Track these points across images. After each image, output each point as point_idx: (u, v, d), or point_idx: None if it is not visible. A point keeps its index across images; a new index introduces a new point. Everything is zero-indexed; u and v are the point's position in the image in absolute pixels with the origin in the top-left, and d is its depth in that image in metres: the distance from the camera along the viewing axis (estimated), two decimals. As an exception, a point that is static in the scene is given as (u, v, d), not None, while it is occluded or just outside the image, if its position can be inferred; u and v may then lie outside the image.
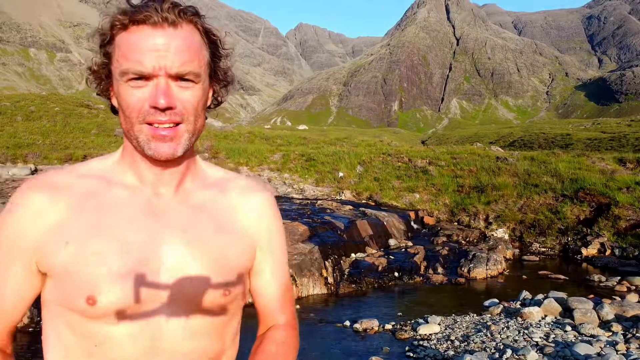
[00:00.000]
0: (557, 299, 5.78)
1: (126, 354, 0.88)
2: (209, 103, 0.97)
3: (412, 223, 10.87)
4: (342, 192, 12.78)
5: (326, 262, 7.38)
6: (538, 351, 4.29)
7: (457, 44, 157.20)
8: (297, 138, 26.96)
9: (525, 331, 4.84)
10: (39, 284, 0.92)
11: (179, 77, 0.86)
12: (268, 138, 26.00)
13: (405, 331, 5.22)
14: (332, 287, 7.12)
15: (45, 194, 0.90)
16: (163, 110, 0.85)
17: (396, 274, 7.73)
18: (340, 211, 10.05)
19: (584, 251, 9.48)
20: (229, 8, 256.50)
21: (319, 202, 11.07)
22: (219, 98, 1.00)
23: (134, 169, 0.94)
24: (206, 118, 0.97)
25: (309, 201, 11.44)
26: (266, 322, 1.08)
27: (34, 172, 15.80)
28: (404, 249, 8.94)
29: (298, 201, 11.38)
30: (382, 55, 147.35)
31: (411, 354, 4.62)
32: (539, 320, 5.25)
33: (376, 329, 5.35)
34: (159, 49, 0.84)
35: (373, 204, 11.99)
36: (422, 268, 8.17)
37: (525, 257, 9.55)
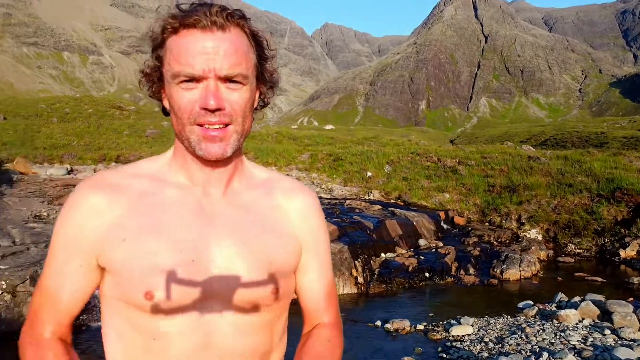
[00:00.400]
0: (594, 302, 5.64)
1: (181, 349, 0.92)
2: (255, 104, 0.99)
3: (442, 223, 10.75)
4: (371, 192, 12.74)
5: (356, 261, 7.38)
6: (576, 354, 4.20)
7: (486, 42, 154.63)
8: (325, 138, 27.00)
9: (562, 334, 4.74)
10: (98, 279, 0.96)
11: (228, 79, 0.89)
12: (295, 138, 26.11)
13: (438, 332, 5.17)
14: (362, 287, 7.11)
15: (103, 193, 0.94)
16: (213, 111, 0.88)
17: (427, 274, 7.67)
18: (369, 211, 10.02)
19: (622, 253, 9.22)
20: (255, 9, 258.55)
21: (348, 201, 11.07)
22: (266, 99, 1.02)
23: (186, 169, 0.98)
24: (253, 119, 1.00)
25: (337, 201, 11.44)
26: (311, 320, 1.10)
27: (69, 172, 16.25)
28: (434, 250, 8.86)
29: (326, 201, 11.39)
30: (409, 53, 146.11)
31: (444, 355, 4.58)
32: (576, 324, 5.13)
33: (408, 329, 5.32)
34: (209, 52, 0.87)
35: (402, 203, 11.91)
36: (453, 269, 8.08)
37: (559, 259, 9.34)
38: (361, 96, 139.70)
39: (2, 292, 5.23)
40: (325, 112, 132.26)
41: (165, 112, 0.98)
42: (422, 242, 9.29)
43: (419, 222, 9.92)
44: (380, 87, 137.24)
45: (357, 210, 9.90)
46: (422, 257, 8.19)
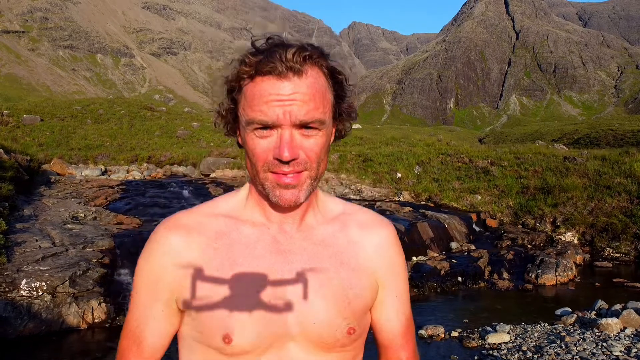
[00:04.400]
0: (636, 310, 5.43)
1: None
2: (332, 140, 0.97)
3: (474, 225, 10.57)
4: (400, 193, 12.62)
5: (387, 265, 7.32)
6: (619, 366, 4.06)
7: (517, 38, 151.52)
8: (353, 138, 26.89)
9: (604, 344, 4.59)
10: (178, 321, 0.97)
11: (304, 125, 0.87)
12: (324, 138, 26.10)
13: (473, 339, 5.08)
14: (394, 291, 7.05)
15: (180, 234, 0.95)
16: (287, 162, 0.87)
17: (459, 278, 7.56)
18: (400, 213, 9.94)
19: (664, 258, 8.88)
20: (283, 9, 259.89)
21: (378, 203, 11.00)
22: (343, 132, 1.00)
23: (261, 207, 0.98)
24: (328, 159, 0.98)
25: (367, 202, 11.38)
26: (387, 357, 1.09)
27: (104, 172, 16.64)
28: (466, 253, 8.72)
29: (356, 203, 11.34)
30: (438, 51, 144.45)
31: (480, 364, 4.49)
32: (618, 333, 4.96)
33: (442, 335, 5.24)
34: (284, 99, 0.85)
35: (432, 205, 11.76)
36: (487, 273, 7.93)
37: (596, 263, 9.06)
38: (388, 95, 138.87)
39: (42, 293, 5.39)
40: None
41: (239, 145, 0.98)
42: (453, 245, 9.16)
43: (450, 224, 9.78)
44: (408, 86, 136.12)
45: (388, 213, 9.82)
46: (454, 261, 8.07)
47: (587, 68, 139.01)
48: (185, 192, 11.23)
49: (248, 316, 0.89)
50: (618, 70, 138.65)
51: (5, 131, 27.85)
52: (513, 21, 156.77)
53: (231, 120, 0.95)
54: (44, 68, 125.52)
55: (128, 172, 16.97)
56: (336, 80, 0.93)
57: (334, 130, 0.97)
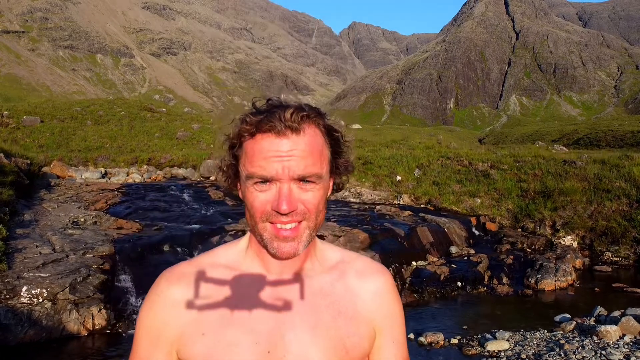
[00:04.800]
0: (635, 317, 5.45)
1: None
2: (329, 194, 1.00)
3: (474, 229, 10.59)
4: (400, 197, 12.64)
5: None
6: (618, 375, 4.07)
7: (517, 38, 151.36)
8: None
9: (603, 352, 4.60)
10: None
11: (302, 179, 0.91)
12: (323, 140, 26.13)
13: (473, 347, 5.09)
14: (394, 296, 7.06)
15: (181, 286, 0.98)
16: (286, 214, 0.90)
17: (459, 283, 7.57)
18: (400, 217, 9.95)
19: (663, 262, 8.89)
20: (283, 9, 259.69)
21: (378, 207, 11.00)
22: (340, 185, 1.03)
23: (261, 258, 1.00)
24: (327, 209, 1.00)
25: (367, 206, 11.39)
26: None
27: (104, 175, 16.63)
28: (466, 257, 8.73)
29: (356, 206, 11.36)
30: (437, 52, 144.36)
31: (480, 372, 4.51)
32: (617, 340, 4.97)
33: (442, 343, 5.26)
34: (282, 156, 0.89)
35: (432, 208, 11.78)
36: (486, 278, 7.95)
37: (596, 267, 9.08)
38: (388, 95, 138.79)
39: (42, 300, 5.40)
40: (352, 112, 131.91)
41: (241, 199, 1.00)
42: (453, 249, 9.17)
43: (450, 228, 9.80)
44: (408, 86, 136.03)
45: (388, 217, 9.83)
46: (453, 266, 8.08)
47: (587, 68, 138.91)
48: (186, 196, 11.24)
49: None
50: (618, 71, 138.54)
51: (5, 132, 27.85)
52: (513, 21, 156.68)
53: (232, 175, 0.99)
54: (43, 68, 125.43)
55: (128, 174, 16.99)
56: (333, 137, 0.98)
57: (331, 183, 1.00)
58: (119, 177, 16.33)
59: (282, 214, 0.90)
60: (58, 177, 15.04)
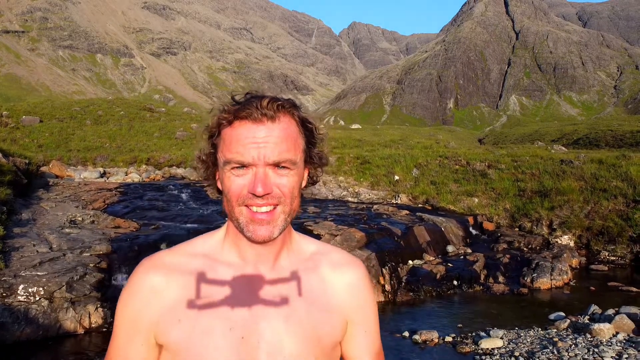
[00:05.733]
0: (629, 315, 5.49)
1: None
2: (304, 184, 1.04)
3: (471, 228, 10.61)
4: (398, 196, 12.66)
5: (383, 269, 7.36)
6: (610, 372, 4.10)
7: (517, 38, 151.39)
8: (352, 140, 26.96)
9: (596, 349, 4.63)
10: (157, 355, 1.01)
11: (276, 165, 0.95)
12: (322, 140, 26.15)
13: (467, 344, 5.12)
14: (390, 295, 7.09)
15: (160, 274, 1.01)
16: (261, 196, 0.93)
17: (455, 282, 7.60)
18: (397, 216, 9.97)
19: (659, 261, 8.92)
20: (283, 9, 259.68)
21: (375, 206, 11.03)
22: (315, 178, 1.06)
23: (237, 247, 1.03)
24: (302, 196, 1.04)
25: (364, 205, 11.41)
26: None
27: (102, 175, 16.65)
28: (462, 256, 8.75)
29: (354, 205, 11.38)
30: (437, 52, 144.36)
31: (473, 369, 4.54)
32: (610, 338, 5.00)
33: (436, 340, 5.28)
34: (258, 142, 0.93)
35: (430, 208, 11.80)
36: (482, 277, 7.97)
37: (592, 267, 9.11)
38: (388, 95, 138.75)
39: (39, 298, 5.43)
40: (351, 112, 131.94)
41: (219, 191, 1.04)
42: (450, 248, 9.20)
43: (447, 227, 9.82)
44: (408, 86, 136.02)
45: (385, 216, 9.86)
46: (450, 264, 8.11)
47: (587, 68, 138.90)
48: (184, 195, 11.26)
49: (221, 354, 0.95)
50: (618, 71, 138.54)
51: (4, 132, 27.89)
52: (513, 21, 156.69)
53: (210, 164, 1.02)
54: (43, 68, 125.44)
55: (127, 174, 17.00)
56: (307, 128, 1.01)
57: (306, 173, 1.04)
58: (117, 176, 16.35)
59: (257, 196, 0.93)
60: (57, 176, 15.06)
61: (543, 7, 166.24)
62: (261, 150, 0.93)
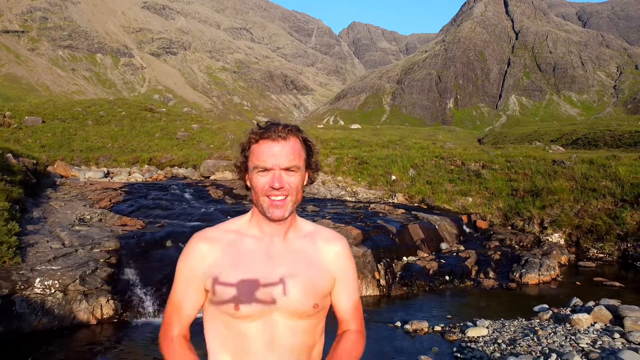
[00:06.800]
0: (608, 307, 5.84)
1: (256, 344, 1.43)
2: (305, 182, 1.50)
3: (465, 227, 10.97)
4: (395, 195, 13.02)
5: (379, 264, 7.72)
6: (583, 356, 4.46)
7: (516, 38, 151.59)
8: (350, 141, 27.31)
9: (572, 337, 4.99)
10: (204, 298, 1.48)
11: (287, 169, 1.43)
12: (322, 141, 26.51)
13: (454, 333, 5.48)
14: (384, 289, 7.45)
15: (206, 243, 1.50)
16: (277, 189, 1.39)
17: (447, 277, 7.96)
18: (393, 215, 10.33)
19: (644, 258, 9.28)
20: (283, 9, 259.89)
21: (372, 205, 11.39)
22: (312, 178, 1.53)
23: (259, 225, 1.50)
24: (304, 192, 1.50)
25: (362, 204, 11.77)
26: (342, 327, 1.60)
27: (106, 175, 16.99)
28: (455, 253, 9.11)
29: (351, 204, 11.74)
30: (437, 52, 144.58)
31: (459, 355, 4.90)
32: (588, 327, 5.36)
33: (426, 330, 5.65)
34: (276, 154, 1.42)
35: (425, 207, 12.16)
36: (473, 272, 8.33)
37: (581, 263, 9.47)
38: (388, 95, 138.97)
39: (54, 291, 5.79)
40: (351, 112, 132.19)
41: (247, 188, 1.50)
42: (443, 245, 9.55)
43: (441, 226, 10.18)
44: (407, 86, 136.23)
45: (381, 215, 10.21)
46: (443, 261, 8.47)
47: (587, 68, 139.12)
48: (187, 195, 11.61)
49: (249, 295, 1.41)
50: (617, 71, 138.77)
51: (7, 132, 28.17)
52: (512, 21, 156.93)
53: (243, 169, 1.50)
54: (43, 68, 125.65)
55: (130, 174, 17.34)
56: (307, 145, 1.50)
57: (306, 175, 1.50)
58: (121, 176, 16.70)
59: (275, 189, 1.40)
60: (61, 176, 15.41)
61: (543, 7, 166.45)
62: (277, 159, 1.40)
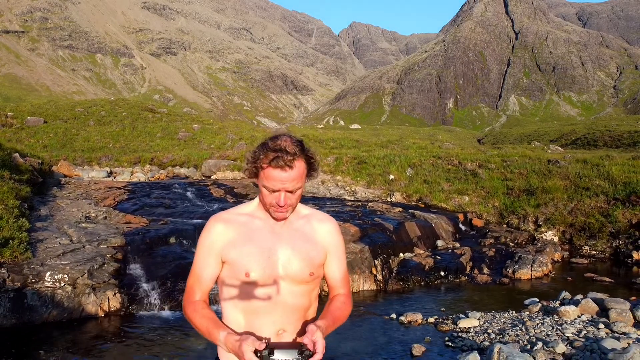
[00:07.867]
0: (594, 299, 6.09)
1: (263, 304, 1.76)
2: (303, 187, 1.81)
3: (461, 225, 11.21)
4: (393, 194, 13.27)
5: (376, 260, 7.98)
6: (568, 345, 4.71)
7: (516, 39, 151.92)
8: (350, 141, 27.55)
9: (559, 327, 5.24)
10: (220, 268, 1.80)
11: (290, 191, 1.74)
12: (321, 141, 26.75)
13: (447, 324, 5.73)
14: (381, 284, 7.70)
15: (222, 223, 1.85)
16: (282, 206, 1.72)
17: (442, 273, 8.21)
18: (390, 213, 10.58)
19: (635, 255, 9.52)
20: (283, 9, 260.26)
21: (370, 204, 11.64)
22: (310, 180, 1.82)
23: (265, 211, 1.80)
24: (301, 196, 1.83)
25: (360, 203, 12.02)
26: (333, 292, 1.97)
27: (110, 174, 17.24)
28: (451, 250, 9.36)
29: (350, 203, 11.99)
30: (437, 52, 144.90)
31: (450, 344, 5.15)
32: (574, 319, 5.61)
33: (420, 321, 5.90)
34: (282, 180, 1.70)
35: (422, 206, 12.40)
36: (468, 268, 8.58)
37: (573, 260, 9.71)
38: (388, 95, 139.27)
39: (64, 284, 6.04)
40: (351, 112, 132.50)
41: (256, 185, 1.82)
42: (439, 243, 9.80)
43: (437, 224, 10.43)
44: (407, 86, 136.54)
45: (379, 213, 10.46)
46: (438, 257, 8.72)
47: (587, 68, 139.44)
48: (189, 194, 11.86)
49: (258, 264, 1.75)
50: (617, 71, 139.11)
51: (9, 133, 28.42)
52: (512, 21, 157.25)
53: (253, 175, 1.78)
54: (43, 68, 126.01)
55: (132, 173, 17.60)
56: (309, 159, 1.77)
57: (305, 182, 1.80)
58: (124, 176, 16.95)
59: (280, 206, 1.75)
60: (65, 176, 15.66)
61: (542, 7, 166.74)
62: (283, 184, 1.70)
